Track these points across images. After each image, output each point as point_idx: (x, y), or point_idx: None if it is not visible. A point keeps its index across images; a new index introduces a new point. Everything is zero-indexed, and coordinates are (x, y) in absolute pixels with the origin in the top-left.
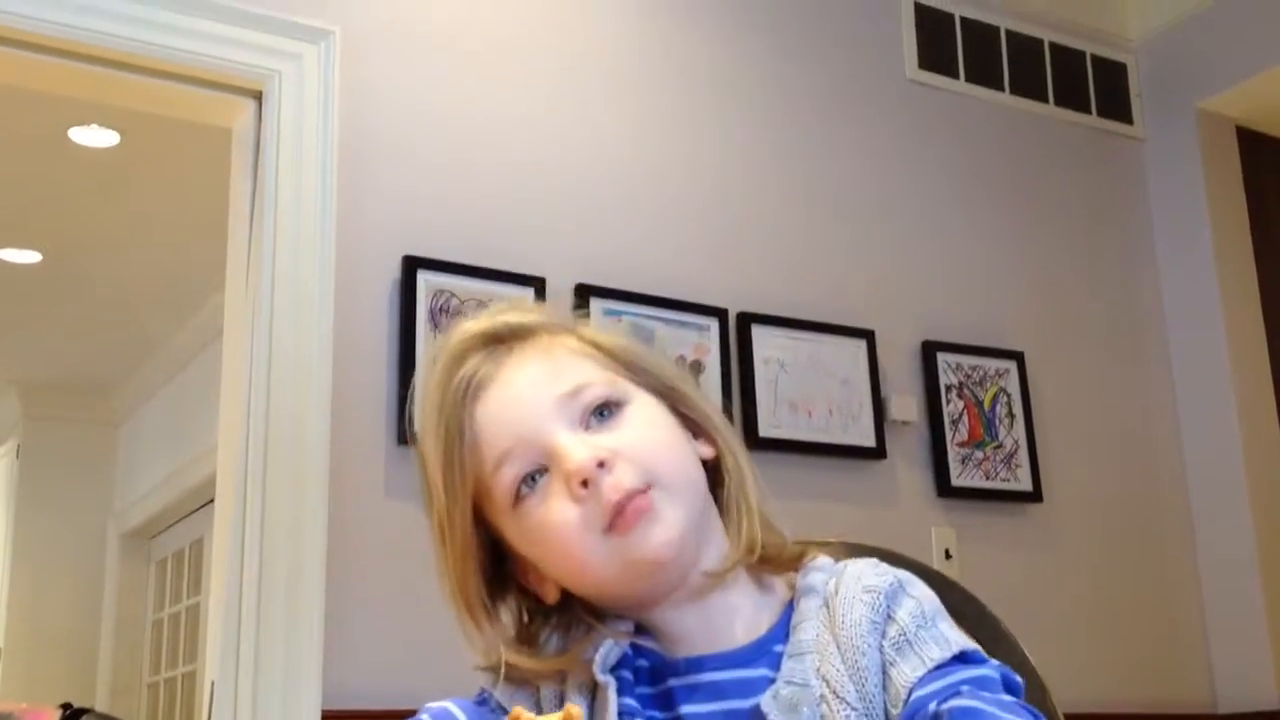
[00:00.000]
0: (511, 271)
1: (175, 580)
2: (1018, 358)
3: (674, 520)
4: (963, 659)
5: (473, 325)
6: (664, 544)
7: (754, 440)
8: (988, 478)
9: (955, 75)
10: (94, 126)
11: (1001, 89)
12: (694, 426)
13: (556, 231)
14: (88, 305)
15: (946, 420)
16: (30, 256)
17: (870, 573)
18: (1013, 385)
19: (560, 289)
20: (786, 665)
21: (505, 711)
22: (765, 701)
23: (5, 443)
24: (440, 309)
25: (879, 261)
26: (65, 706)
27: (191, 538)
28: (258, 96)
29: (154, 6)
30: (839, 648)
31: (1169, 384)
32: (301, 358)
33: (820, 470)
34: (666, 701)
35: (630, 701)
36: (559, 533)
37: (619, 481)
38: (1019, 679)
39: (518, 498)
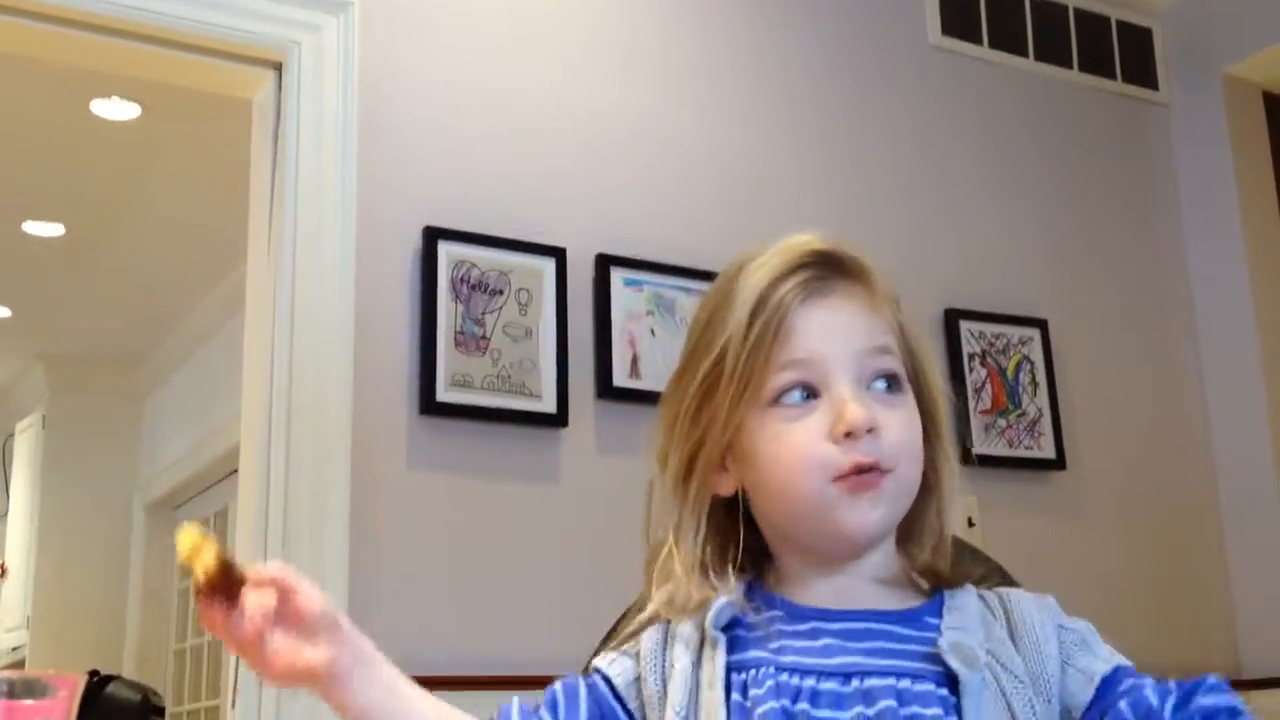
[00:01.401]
0: (532, 242)
1: None
2: (1041, 325)
3: (887, 514)
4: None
5: (819, 243)
6: (866, 527)
7: None
8: (1010, 446)
9: (979, 41)
10: (115, 99)
11: (1025, 55)
12: (926, 436)
13: (577, 202)
14: (111, 277)
15: (969, 388)
16: (53, 229)
17: (1034, 595)
18: (1036, 353)
19: (581, 259)
20: (950, 632)
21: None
22: (944, 646)
23: (31, 415)
24: (461, 279)
25: (901, 229)
26: (93, 674)
27: (216, 507)
28: (278, 68)
29: None
30: (1013, 636)
31: (1194, 350)
32: (323, 329)
33: None
34: (811, 635)
35: (737, 657)
36: (798, 454)
37: (876, 452)
38: None
39: (778, 401)
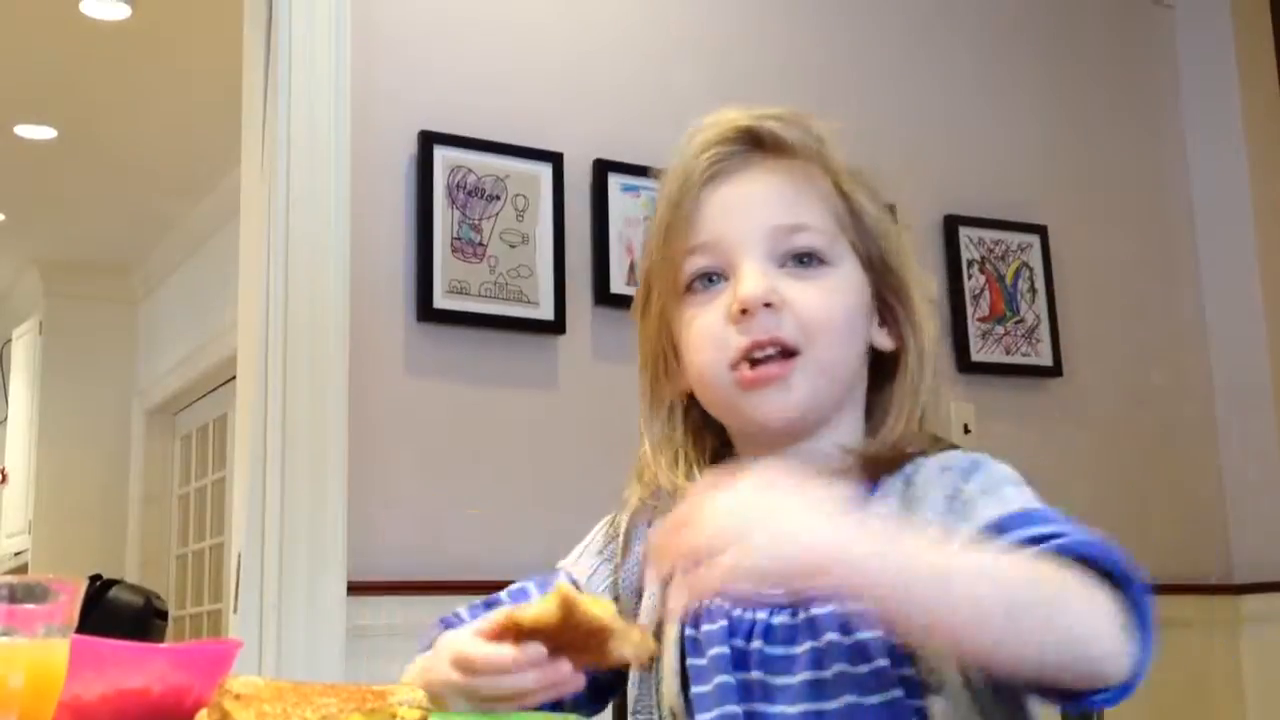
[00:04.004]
0: (529, 147)
1: (201, 455)
2: (1041, 231)
3: (799, 397)
4: (1025, 516)
5: (741, 117)
6: (776, 413)
7: None
8: (1008, 353)
9: None
10: None
11: None
12: (891, 315)
13: (574, 106)
14: (105, 180)
15: (968, 295)
16: (46, 132)
17: (953, 456)
18: (1035, 259)
19: (578, 164)
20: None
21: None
22: None
23: (28, 320)
24: (457, 185)
25: (899, 132)
26: (95, 578)
27: (215, 414)
28: None
29: None
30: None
31: (1193, 258)
32: (319, 234)
33: None
34: None
35: None
36: (700, 339)
37: (773, 328)
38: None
39: (690, 288)
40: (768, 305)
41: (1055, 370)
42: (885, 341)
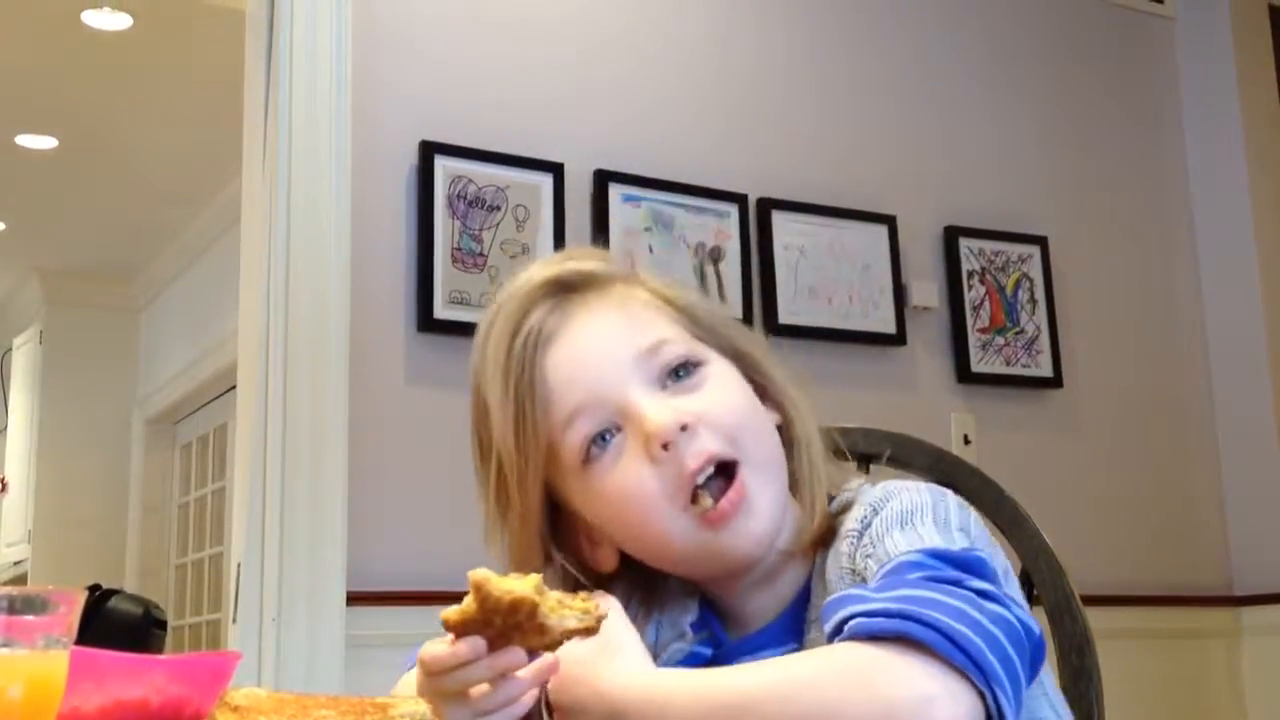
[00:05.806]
0: (530, 157)
1: (200, 465)
2: (1041, 242)
3: (767, 510)
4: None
5: (538, 272)
6: (758, 540)
7: (773, 327)
8: (1008, 364)
9: None
10: (106, 10)
11: None
12: (760, 390)
13: (575, 117)
14: (106, 190)
15: (968, 306)
16: (46, 142)
17: (859, 511)
18: (1035, 271)
19: (579, 175)
20: (810, 638)
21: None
22: None
23: (28, 329)
24: (458, 195)
25: (901, 145)
26: (94, 588)
27: (215, 423)
28: None
29: None
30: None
31: (1194, 270)
32: (319, 244)
33: (840, 357)
34: None
35: None
36: (636, 499)
37: (702, 448)
38: (974, 555)
39: (588, 457)
40: (683, 429)
41: (1055, 381)
42: (772, 415)
